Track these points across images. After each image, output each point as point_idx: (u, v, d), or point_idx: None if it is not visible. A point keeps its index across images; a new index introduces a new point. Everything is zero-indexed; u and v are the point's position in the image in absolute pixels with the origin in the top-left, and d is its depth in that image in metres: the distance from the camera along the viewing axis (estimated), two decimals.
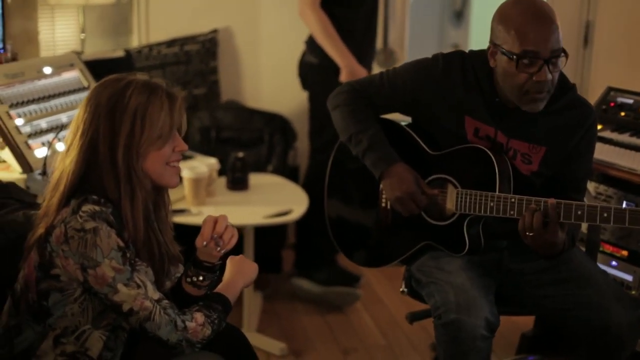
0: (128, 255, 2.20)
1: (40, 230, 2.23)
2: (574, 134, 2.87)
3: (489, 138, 2.87)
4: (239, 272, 2.48)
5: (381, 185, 2.98)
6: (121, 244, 2.18)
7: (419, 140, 2.99)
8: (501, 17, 2.73)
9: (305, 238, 4.61)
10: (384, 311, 4.45)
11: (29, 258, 2.26)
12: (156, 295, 2.21)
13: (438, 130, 2.95)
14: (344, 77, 4.12)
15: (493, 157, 2.80)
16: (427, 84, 2.91)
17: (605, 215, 2.58)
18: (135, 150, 2.23)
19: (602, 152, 3.50)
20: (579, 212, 2.61)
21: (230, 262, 2.51)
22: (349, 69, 4.15)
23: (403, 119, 3.10)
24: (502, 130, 2.86)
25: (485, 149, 2.83)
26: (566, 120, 2.87)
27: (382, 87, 3.00)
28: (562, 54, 2.69)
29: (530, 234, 2.66)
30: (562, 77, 2.87)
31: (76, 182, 2.24)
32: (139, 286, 2.18)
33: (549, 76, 2.67)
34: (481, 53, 2.87)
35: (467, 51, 2.97)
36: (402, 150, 2.96)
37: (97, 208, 2.18)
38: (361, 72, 4.12)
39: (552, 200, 2.63)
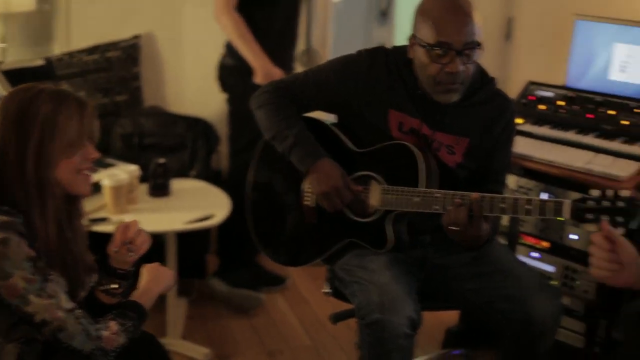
0: (39, 265, 2.16)
1: None
2: (494, 126, 2.91)
3: (413, 131, 2.88)
4: (153, 280, 2.47)
5: (307, 181, 2.97)
6: (32, 254, 2.15)
7: (344, 137, 2.99)
8: (421, 8, 2.77)
9: (226, 240, 4.59)
10: (309, 312, 4.44)
11: None
12: (69, 305, 2.19)
13: (363, 127, 2.95)
14: (258, 79, 4.11)
15: (417, 153, 2.81)
16: (352, 80, 2.92)
17: (528, 207, 2.59)
18: (45, 159, 2.21)
19: (522, 145, 3.55)
20: (503, 205, 2.62)
21: (145, 269, 2.50)
22: (263, 70, 4.14)
23: (326, 119, 3.10)
24: (426, 122, 2.87)
25: (409, 145, 2.83)
26: (486, 112, 2.90)
27: (307, 85, 3.00)
28: (477, 47, 2.72)
29: (455, 229, 2.66)
30: (482, 70, 2.91)
31: None
32: (50, 296, 2.15)
33: (461, 67, 2.70)
34: (403, 47, 2.89)
35: (389, 47, 2.99)
36: (327, 148, 2.95)
37: (6, 218, 2.15)
38: (276, 74, 4.11)
39: (475, 195, 2.63)
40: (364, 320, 2.73)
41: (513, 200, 2.61)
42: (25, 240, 2.15)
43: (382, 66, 2.90)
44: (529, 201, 2.59)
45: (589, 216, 2.45)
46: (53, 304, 2.15)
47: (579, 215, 2.47)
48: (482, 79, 2.91)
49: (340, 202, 2.89)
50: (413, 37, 2.80)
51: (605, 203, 2.44)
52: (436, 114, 2.86)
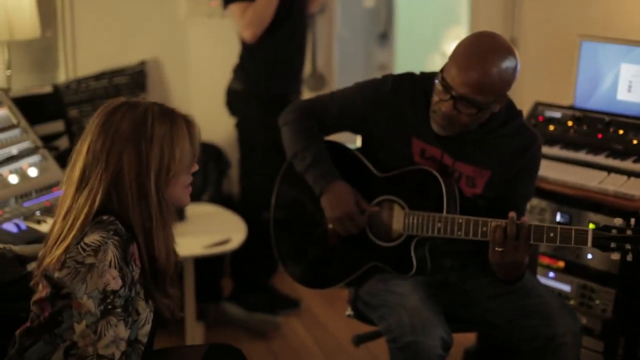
0: (109, 300, 2.12)
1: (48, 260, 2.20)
2: (518, 160, 2.91)
3: (435, 160, 2.90)
4: None
5: (321, 203, 2.98)
6: (111, 287, 2.12)
7: (366, 162, 3.01)
8: (456, 44, 2.76)
9: (240, 264, 4.58)
10: (327, 335, 4.42)
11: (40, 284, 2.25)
12: (107, 350, 2.12)
13: (385, 152, 2.97)
14: None
15: (440, 179, 2.83)
16: (374, 104, 2.93)
17: (583, 237, 2.57)
18: (165, 180, 2.22)
19: None
20: (551, 234, 2.60)
21: None
22: None
23: (351, 141, 3.12)
24: (448, 152, 2.89)
25: (432, 171, 2.85)
26: (511, 146, 2.90)
27: (331, 107, 3.02)
28: (477, 107, 2.69)
29: (500, 249, 2.63)
30: (510, 103, 2.90)
31: (92, 216, 2.18)
32: (95, 333, 2.10)
33: (453, 111, 2.69)
34: (431, 75, 2.89)
35: (419, 73, 2.99)
36: (349, 172, 2.98)
37: (104, 238, 2.12)
38: None
39: (524, 219, 2.61)
40: (396, 343, 2.73)
41: (562, 229, 2.59)
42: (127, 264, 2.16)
43: (407, 93, 2.91)
44: (580, 231, 2.58)
45: (613, 245, 2.49)
46: (92, 339, 2.10)
47: (601, 244, 2.52)
48: (509, 112, 2.90)
49: (355, 227, 2.90)
50: (440, 70, 2.78)
51: (629, 232, 2.48)
52: (459, 145, 2.87)
